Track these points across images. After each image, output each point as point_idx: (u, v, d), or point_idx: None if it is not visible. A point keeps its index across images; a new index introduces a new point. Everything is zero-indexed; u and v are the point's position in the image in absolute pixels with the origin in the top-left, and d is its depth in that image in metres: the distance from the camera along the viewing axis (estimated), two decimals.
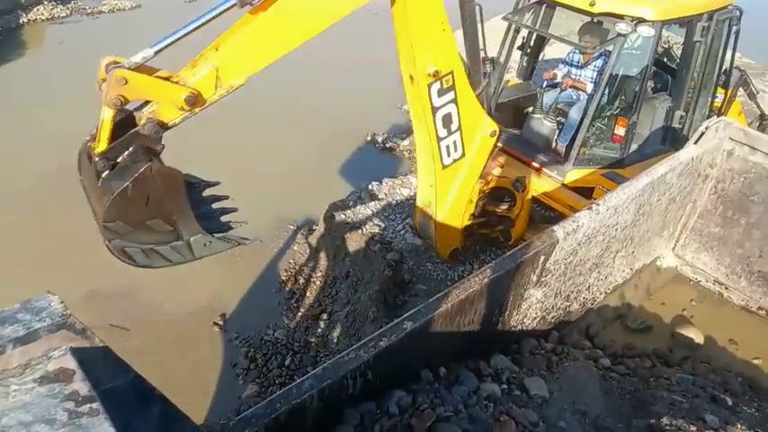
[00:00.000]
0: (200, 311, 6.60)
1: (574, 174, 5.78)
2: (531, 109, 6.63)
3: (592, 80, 6.17)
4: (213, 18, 2.98)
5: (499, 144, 6.28)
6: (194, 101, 2.99)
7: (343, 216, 7.50)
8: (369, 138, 10.29)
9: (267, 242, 7.63)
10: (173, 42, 2.93)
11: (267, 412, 2.56)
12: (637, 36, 5.23)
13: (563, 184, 5.83)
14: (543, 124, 6.21)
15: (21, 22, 14.97)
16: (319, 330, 6.60)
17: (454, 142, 4.45)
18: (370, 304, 6.44)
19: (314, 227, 7.94)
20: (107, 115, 2.91)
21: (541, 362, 3.55)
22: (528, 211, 6.06)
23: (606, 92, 5.65)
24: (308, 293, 7.06)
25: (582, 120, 5.81)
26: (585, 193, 5.77)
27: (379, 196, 7.69)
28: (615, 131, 5.67)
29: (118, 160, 2.99)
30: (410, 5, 3.55)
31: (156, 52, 2.90)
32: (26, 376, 1.60)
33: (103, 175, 2.98)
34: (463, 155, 4.56)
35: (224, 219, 3.61)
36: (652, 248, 4.76)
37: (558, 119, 6.27)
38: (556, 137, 6.25)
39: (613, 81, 5.65)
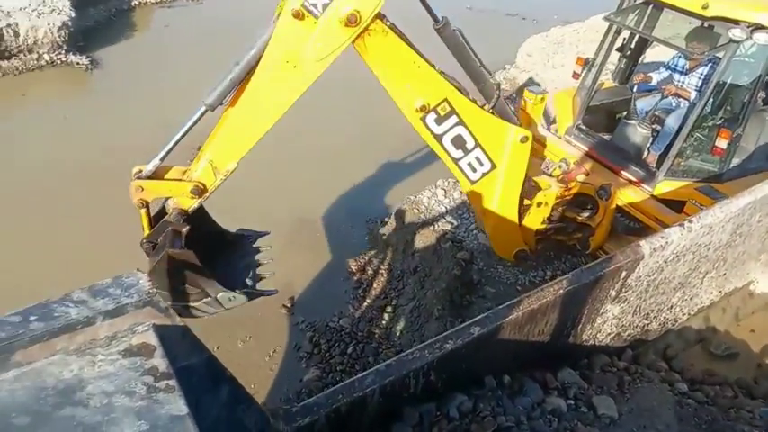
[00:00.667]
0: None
1: (665, 185, 5.44)
2: (624, 114, 6.30)
3: (696, 88, 5.77)
4: (194, 125, 3.57)
5: (585, 148, 6.13)
6: (199, 191, 3.68)
7: (415, 211, 7.48)
8: None
9: (341, 232, 7.73)
10: (171, 148, 3.59)
11: (329, 402, 2.60)
12: (752, 44, 4.84)
13: (652, 196, 5.51)
14: (636, 131, 5.88)
15: (132, 4, 15.99)
16: (383, 322, 6.63)
17: (477, 158, 4.40)
18: (435, 301, 6.40)
19: (386, 219, 7.97)
20: (141, 213, 3.75)
21: (612, 380, 3.38)
22: (610, 221, 5.79)
23: (711, 101, 5.27)
24: (375, 285, 7.11)
25: (680, 128, 5.45)
26: (675, 206, 5.42)
27: (454, 194, 7.59)
28: (716, 143, 5.26)
29: (158, 240, 3.69)
30: (370, 58, 3.68)
31: (162, 159, 3.62)
32: (112, 348, 1.70)
33: (147, 254, 3.76)
34: (493, 166, 4.50)
35: (259, 269, 4.25)
36: (746, 272, 4.41)
37: (653, 126, 5.92)
38: (649, 145, 5.90)
39: (720, 90, 5.24)
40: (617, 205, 5.72)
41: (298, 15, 3.36)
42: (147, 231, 3.77)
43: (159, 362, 1.66)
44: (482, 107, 4.24)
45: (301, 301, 6.90)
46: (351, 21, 3.36)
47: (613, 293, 3.43)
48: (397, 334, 6.43)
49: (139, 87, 11.40)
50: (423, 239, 7.24)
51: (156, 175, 3.68)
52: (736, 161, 5.46)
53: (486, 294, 6.51)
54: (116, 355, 1.67)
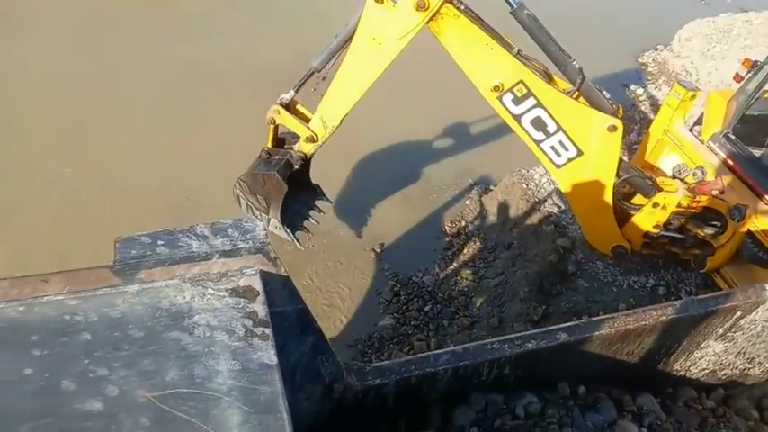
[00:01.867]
0: (364, 236, 6.98)
1: None
2: None
3: None
4: (305, 80, 4.59)
5: (729, 160, 5.56)
6: (313, 139, 4.57)
7: (524, 186, 7.25)
8: None
9: (445, 191, 7.69)
10: (300, 85, 4.60)
11: (401, 370, 2.67)
12: None
13: None
14: None
15: None
16: (465, 290, 6.63)
17: (560, 142, 4.38)
18: (524, 283, 6.28)
19: (491, 187, 7.81)
20: (270, 128, 4.77)
21: (694, 418, 3.19)
22: (737, 245, 5.31)
23: None
24: (465, 250, 7.07)
25: None
26: None
27: None
28: None
29: (274, 156, 4.80)
30: (444, 40, 3.97)
31: (296, 91, 4.62)
32: (222, 284, 1.83)
33: (260, 158, 4.85)
34: (580, 153, 4.41)
35: (305, 222, 5.39)
36: None
37: None
38: None
39: None
40: (749, 230, 5.21)
41: (378, 0, 3.76)
42: (270, 144, 4.84)
43: (259, 308, 1.78)
44: (570, 93, 4.21)
45: (391, 250, 7.03)
46: (421, 6, 3.68)
47: (721, 331, 3.18)
48: (477, 305, 6.42)
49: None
50: (524, 217, 7.04)
51: (290, 105, 4.62)
52: None
53: (578, 288, 6.28)
54: (224, 291, 1.81)
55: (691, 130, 6.17)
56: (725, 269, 5.57)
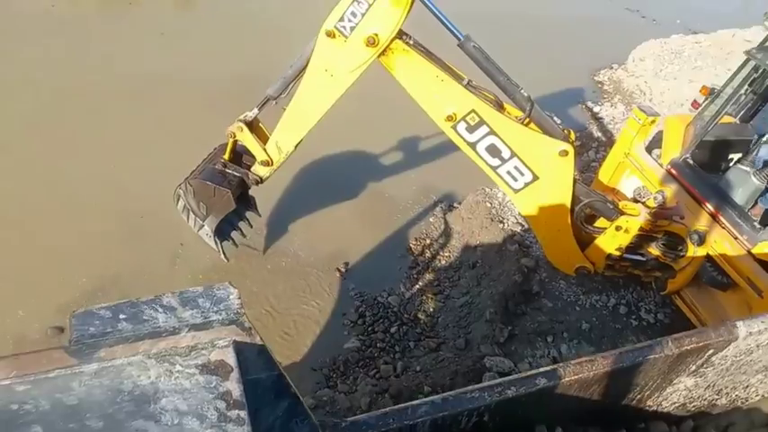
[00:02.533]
0: (328, 256, 6.82)
1: (767, 245, 5.01)
2: (738, 157, 5.79)
3: None
4: (262, 107, 4.81)
5: (688, 185, 5.68)
6: (267, 163, 4.86)
7: (488, 204, 7.27)
8: None
9: (408, 209, 7.60)
10: (261, 107, 4.79)
11: (378, 423, 2.55)
12: None
13: (749, 252, 5.09)
14: (749, 179, 5.39)
15: None
16: (431, 310, 6.56)
17: (515, 167, 4.47)
18: (489, 303, 6.26)
19: (455, 204, 7.78)
20: (229, 142, 4.95)
21: None
22: (696, 268, 5.43)
23: None
24: (430, 269, 7.01)
25: None
26: None
27: None
28: None
29: (229, 171, 5.04)
30: (395, 74, 4.11)
31: (260, 109, 4.83)
32: (191, 359, 1.67)
33: (216, 166, 5.04)
34: (535, 177, 4.50)
35: (234, 234, 5.75)
36: None
37: None
38: (759, 197, 5.42)
39: None
40: (708, 253, 5.34)
41: (330, 34, 3.94)
42: (227, 156, 5.00)
43: (234, 386, 1.62)
44: (521, 120, 4.30)
45: (356, 269, 6.89)
46: (371, 42, 3.85)
47: (693, 368, 3.20)
48: (443, 326, 6.36)
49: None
50: (488, 235, 7.04)
51: (252, 123, 4.82)
52: None
53: (542, 307, 6.33)
54: (193, 368, 1.64)
55: (650, 152, 6.30)
56: (685, 291, 5.70)
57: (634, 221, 5.16)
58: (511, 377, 2.80)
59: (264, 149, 4.78)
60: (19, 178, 6.91)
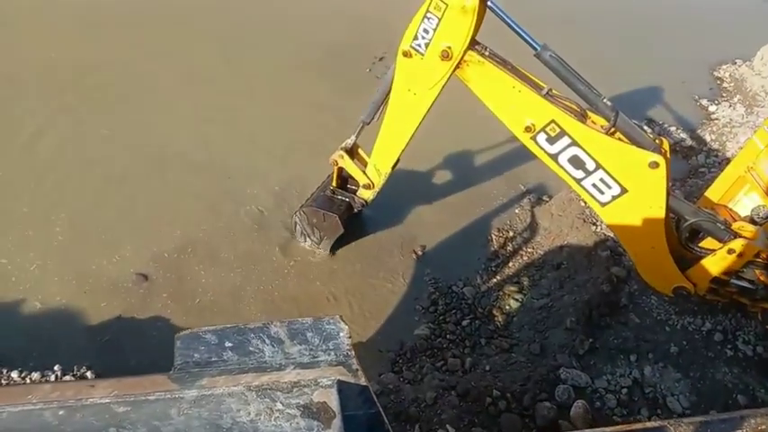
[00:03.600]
0: (407, 238, 6.66)
1: None
2: None
3: None
4: (360, 131, 5.26)
5: None
6: (369, 186, 5.28)
7: (582, 203, 6.81)
8: (644, 122, 8.91)
9: (494, 198, 7.27)
10: (358, 133, 5.26)
11: None
12: None
13: None
14: None
15: None
16: (507, 308, 6.31)
17: (601, 179, 4.25)
18: (571, 311, 5.91)
19: (545, 198, 7.38)
20: (334, 169, 5.51)
21: None
22: None
23: None
24: (510, 264, 6.72)
25: None
26: None
27: None
28: None
29: (338, 197, 5.70)
30: (472, 86, 4.12)
31: (357, 136, 5.29)
32: (293, 397, 1.54)
33: (325, 193, 5.72)
34: (624, 190, 4.24)
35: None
36: None
37: None
38: None
39: None
40: None
41: (407, 54, 4.09)
42: (334, 183, 5.54)
43: None
44: (606, 130, 4.09)
45: (433, 255, 6.71)
46: (445, 56, 3.92)
47: None
48: (518, 326, 6.09)
49: None
50: (578, 237, 6.64)
51: (352, 150, 5.26)
52: None
53: (629, 323, 5.91)
54: (294, 408, 1.51)
55: None
56: None
57: (750, 247, 4.68)
58: (615, 428, 2.54)
59: (365, 173, 5.15)
60: (119, 140, 7.12)
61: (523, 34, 3.91)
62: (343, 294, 6.04)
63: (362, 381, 1.66)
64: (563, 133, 4.07)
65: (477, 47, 4.00)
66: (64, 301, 5.29)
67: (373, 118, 4.80)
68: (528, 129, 4.12)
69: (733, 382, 5.52)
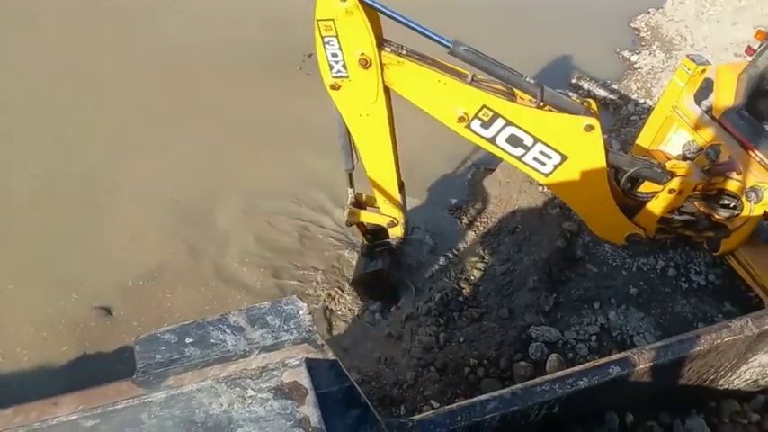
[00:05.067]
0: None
1: None
2: None
3: None
4: (351, 179, 4.87)
5: (743, 138, 5.34)
6: (394, 223, 5.01)
7: None
8: (573, 79, 9.20)
9: (439, 174, 7.35)
10: (350, 184, 4.91)
11: (446, 422, 2.44)
12: None
13: None
14: None
15: None
16: (472, 278, 6.42)
17: (541, 152, 4.29)
18: (532, 270, 6.08)
19: (490, 167, 7.54)
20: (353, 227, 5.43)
21: None
22: (752, 227, 5.15)
23: None
24: (468, 236, 6.84)
25: None
26: None
27: None
28: None
29: (374, 251, 5.45)
30: (398, 89, 3.98)
31: (352, 187, 4.94)
32: (262, 381, 1.55)
33: (364, 254, 5.56)
34: (564, 157, 4.30)
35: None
36: None
37: None
38: None
39: None
40: (765, 211, 5.05)
41: (335, 87, 3.94)
42: (365, 240, 5.40)
43: (311, 411, 1.50)
44: (536, 105, 4.10)
45: None
46: (365, 63, 3.77)
47: None
48: (485, 294, 6.22)
49: None
50: (528, 199, 6.82)
51: (358, 201, 5.05)
52: None
53: (587, 273, 6.14)
54: (266, 393, 1.52)
55: (699, 104, 5.93)
56: (739, 252, 5.45)
57: (688, 183, 4.91)
58: (582, 366, 2.65)
59: (383, 214, 4.98)
60: (48, 170, 6.86)
61: (430, 34, 3.77)
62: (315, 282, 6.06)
63: (330, 355, 1.68)
64: (496, 116, 4.06)
65: (391, 47, 3.87)
66: (25, 352, 5.10)
67: (353, 162, 4.60)
68: (461, 119, 4.08)
69: (692, 312, 5.81)
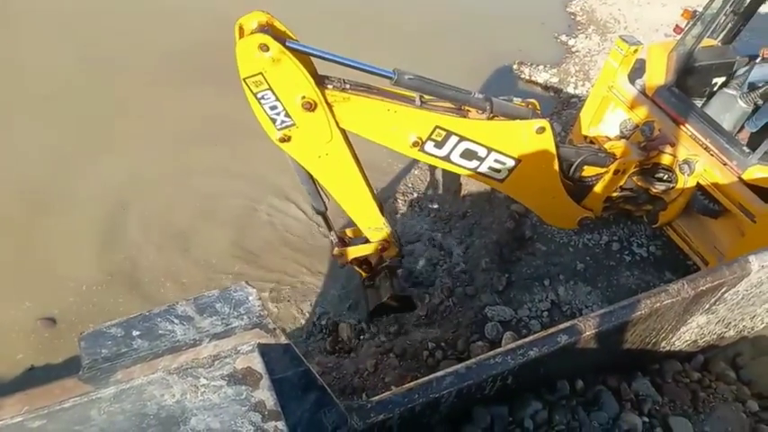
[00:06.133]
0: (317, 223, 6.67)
1: (757, 170, 4.98)
2: (722, 81, 5.70)
3: None
4: (327, 222, 4.60)
5: (675, 114, 5.60)
6: (384, 246, 4.64)
7: None
8: (515, 65, 9.36)
9: (385, 164, 7.38)
10: (328, 225, 4.66)
11: (404, 400, 2.49)
12: None
13: (740, 178, 5.07)
14: (736, 103, 5.32)
15: None
16: (424, 263, 6.50)
17: (495, 160, 4.29)
18: (484, 253, 6.22)
19: None
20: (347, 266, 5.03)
21: (685, 394, 3.24)
22: (687, 198, 5.42)
23: None
24: (421, 223, 6.92)
25: None
26: (764, 194, 5.00)
27: None
28: None
29: (377, 279, 5.06)
30: (348, 125, 3.74)
31: (332, 230, 4.67)
32: (215, 369, 1.53)
33: (367, 286, 5.14)
34: (518, 161, 4.36)
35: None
36: None
37: (757, 101, 5.34)
38: (745, 120, 5.37)
39: None
40: (698, 182, 5.32)
41: (285, 139, 3.65)
42: (364, 275, 5.07)
43: (266, 395, 1.50)
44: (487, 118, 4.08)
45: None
46: (308, 107, 3.49)
47: (707, 306, 3.19)
48: (440, 278, 6.31)
49: None
50: (476, 183, 6.90)
51: (343, 239, 4.79)
52: None
53: (536, 252, 6.32)
54: (219, 380, 1.51)
55: (633, 83, 6.17)
56: (677, 222, 5.72)
57: (630, 161, 5.11)
58: (532, 337, 2.74)
59: (371, 243, 4.68)
60: None
61: (369, 69, 3.58)
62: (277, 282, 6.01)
63: (283, 339, 1.68)
64: (449, 134, 4.01)
65: (332, 83, 3.62)
66: None
67: (324, 203, 4.36)
68: (415, 143, 3.96)
69: (636, 283, 6.08)
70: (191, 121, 7.54)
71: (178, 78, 8.17)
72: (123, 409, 1.42)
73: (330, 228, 4.69)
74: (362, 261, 5.00)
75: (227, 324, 1.58)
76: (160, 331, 1.52)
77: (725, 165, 5.21)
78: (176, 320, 1.55)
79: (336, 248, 4.71)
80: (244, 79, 3.29)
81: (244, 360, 1.57)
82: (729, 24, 6.02)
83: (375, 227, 4.52)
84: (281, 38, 3.23)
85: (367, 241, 4.65)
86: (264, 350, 1.63)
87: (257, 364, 1.56)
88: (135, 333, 1.51)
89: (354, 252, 4.75)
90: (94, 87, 7.87)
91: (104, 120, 7.44)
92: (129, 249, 6.07)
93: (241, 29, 3.29)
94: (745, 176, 5.07)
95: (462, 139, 4.06)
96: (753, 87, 5.43)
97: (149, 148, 7.16)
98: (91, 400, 1.42)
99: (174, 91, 7.97)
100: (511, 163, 4.35)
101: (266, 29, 3.24)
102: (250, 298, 1.63)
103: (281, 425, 1.46)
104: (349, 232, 4.92)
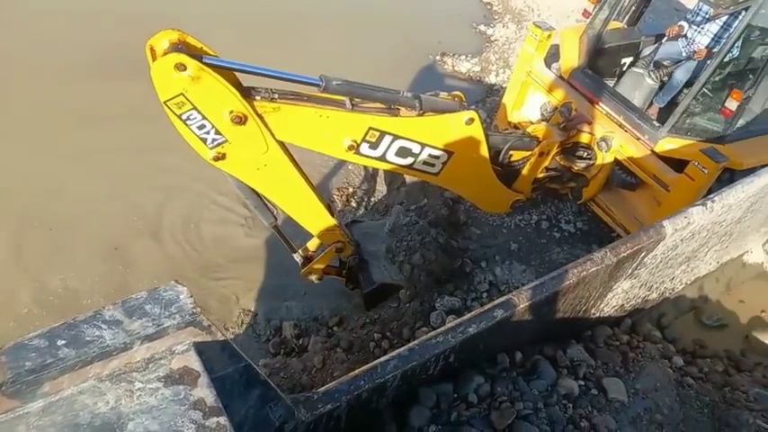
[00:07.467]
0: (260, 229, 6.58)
1: (667, 142, 5.33)
2: (629, 60, 6.04)
3: (714, 37, 5.53)
4: (282, 235, 4.68)
5: (589, 94, 5.89)
6: (341, 247, 4.87)
7: None
8: (437, 57, 9.54)
9: (319, 163, 7.35)
10: (284, 240, 4.73)
11: (351, 388, 2.51)
12: None
13: (652, 151, 5.40)
14: (643, 81, 5.66)
15: None
16: None
17: (429, 155, 4.37)
18: None
19: None
20: (321, 278, 5.15)
21: (616, 356, 3.43)
22: (607, 173, 5.71)
23: (728, 56, 5.02)
24: (358, 216, 6.94)
25: (688, 83, 5.27)
26: (674, 164, 5.35)
27: None
28: (726, 104, 5.11)
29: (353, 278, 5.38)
30: (281, 135, 3.69)
31: (292, 247, 4.83)
32: (150, 372, 1.49)
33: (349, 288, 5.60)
34: (450, 153, 4.46)
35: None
36: (743, 243, 4.46)
37: (663, 77, 5.70)
38: (653, 96, 5.72)
39: (744, 43, 4.98)
40: (616, 158, 5.62)
41: (219, 158, 3.55)
42: (345, 281, 5.41)
43: (206, 393, 1.48)
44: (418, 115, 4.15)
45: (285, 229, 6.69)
46: (238, 120, 3.38)
47: (629, 271, 3.39)
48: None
49: None
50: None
51: (306, 256, 4.88)
52: (740, 122, 5.35)
53: (471, 236, 6.48)
54: (156, 382, 1.47)
55: (549, 67, 6.44)
56: (599, 197, 6.02)
57: (553, 143, 5.32)
58: (470, 315, 2.82)
59: (330, 248, 4.82)
60: None
61: (295, 78, 3.53)
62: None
63: (219, 336, 1.65)
64: (383, 134, 4.01)
65: (259, 94, 3.53)
66: None
67: (273, 215, 4.27)
68: (350, 147, 3.94)
69: (566, 258, 6.34)
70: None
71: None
72: (54, 422, 1.36)
73: (293, 249, 4.71)
74: (331, 269, 5.16)
75: (158, 325, 1.54)
76: (87, 338, 1.46)
77: (638, 139, 5.54)
78: (104, 326, 1.49)
79: (306, 268, 4.82)
80: (164, 102, 3.14)
81: (180, 360, 1.53)
82: (633, 7, 6.40)
83: (326, 230, 4.55)
84: (197, 54, 3.10)
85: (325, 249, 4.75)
86: (201, 348, 1.60)
87: (194, 362, 1.53)
88: (60, 342, 1.44)
89: (319, 263, 4.87)
90: None
91: None
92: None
93: (152, 50, 3.11)
94: (657, 149, 5.40)
95: (396, 137, 4.08)
96: (658, 65, 5.78)
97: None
98: (17, 416, 1.35)
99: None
100: (444, 156, 4.42)
101: (180, 47, 3.08)
102: (181, 297, 1.59)
103: (222, 420, 1.44)
104: (310, 246, 4.92)
